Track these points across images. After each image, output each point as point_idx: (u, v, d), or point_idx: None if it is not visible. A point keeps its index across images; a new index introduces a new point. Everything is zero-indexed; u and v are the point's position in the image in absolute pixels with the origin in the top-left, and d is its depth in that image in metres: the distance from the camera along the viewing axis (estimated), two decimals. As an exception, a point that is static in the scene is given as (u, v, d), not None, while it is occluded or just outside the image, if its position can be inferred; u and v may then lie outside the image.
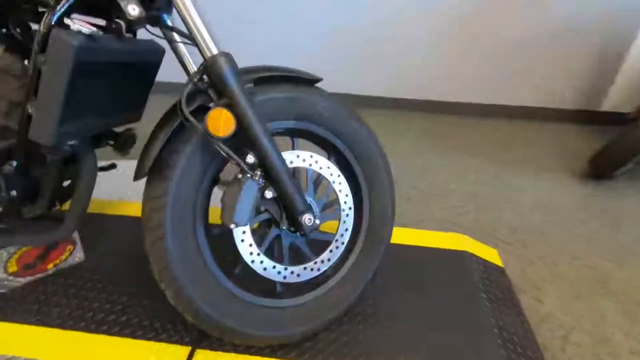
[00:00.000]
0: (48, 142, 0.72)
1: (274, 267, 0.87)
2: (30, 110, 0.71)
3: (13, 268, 1.13)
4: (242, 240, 0.84)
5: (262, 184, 0.81)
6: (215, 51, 0.73)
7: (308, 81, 0.91)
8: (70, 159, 0.87)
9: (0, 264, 1.15)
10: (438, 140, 2.38)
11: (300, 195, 0.83)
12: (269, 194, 0.82)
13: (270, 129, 0.86)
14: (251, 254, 0.85)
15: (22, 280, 1.09)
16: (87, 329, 0.96)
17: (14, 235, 0.90)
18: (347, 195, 0.96)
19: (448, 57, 2.65)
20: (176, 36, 0.86)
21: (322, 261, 0.94)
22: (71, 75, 0.69)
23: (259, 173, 0.78)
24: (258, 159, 0.78)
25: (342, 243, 0.96)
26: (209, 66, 0.72)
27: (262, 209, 0.86)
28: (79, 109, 0.76)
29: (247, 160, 0.78)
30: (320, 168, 0.92)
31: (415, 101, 2.83)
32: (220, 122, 0.72)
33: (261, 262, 0.86)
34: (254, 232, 0.87)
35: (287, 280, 0.89)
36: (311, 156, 0.91)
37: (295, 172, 0.95)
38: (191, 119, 0.72)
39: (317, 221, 0.86)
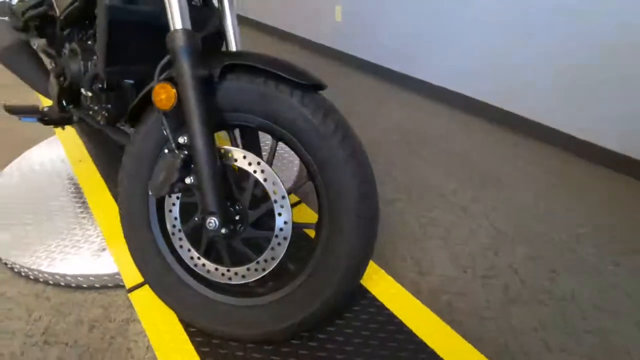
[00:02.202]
0: (103, 76, 0.97)
1: (189, 250, 0.88)
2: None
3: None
4: (170, 211, 0.88)
5: (188, 167, 0.80)
6: (179, 26, 0.74)
7: (302, 85, 0.77)
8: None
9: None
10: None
11: (214, 194, 0.77)
12: (188, 179, 0.80)
13: (235, 119, 0.82)
14: (174, 226, 0.88)
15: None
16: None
17: (116, 135, 1.26)
18: (285, 223, 0.80)
19: None
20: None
21: (236, 273, 0.86)
22: (109, 29, 0.88)
23: (182, 155, 0.77)
24: (188, 141, 0.77)
25: (263, 269, 0.84)
26: (168, 40, 0.75)
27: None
28: (126, 56, 0.95)
29: (179, 139, 0.78)
30: (265, 180, 0.80)
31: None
32: (161, 95, 0.75)
33: (180, 239, 0.88)
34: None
35: (196, 269, 0.88)
36: (258, 163, 0.80)
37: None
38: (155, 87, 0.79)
39: (223, 230, 0.78)
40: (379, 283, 1.13)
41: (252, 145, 0.97)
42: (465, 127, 2.16)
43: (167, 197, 0.87)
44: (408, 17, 2.42)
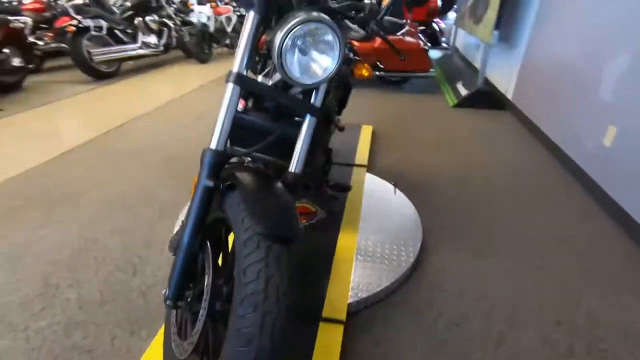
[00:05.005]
0: None
1: None
2: None
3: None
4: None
5: None
6: (212, 146, 0.90)
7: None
8: None
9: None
10: None
11: (175, 272, 0.92)
12: None
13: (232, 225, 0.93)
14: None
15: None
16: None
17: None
18: (196, 331, 0.88)
19: None
20: None
21: (178, 338, 1.00)
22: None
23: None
24: None
25: (181, 354, 0.94)
26: (202, 153, 0.93)
27: None
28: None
29: None
30: (206, 285, 0.90)
31: None
32: (192, 185, 0.98)
33: None
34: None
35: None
36: (210, 269, 0.90)
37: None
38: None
39: (168, 302, 0.93)
40: None
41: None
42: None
43: None
44: None
